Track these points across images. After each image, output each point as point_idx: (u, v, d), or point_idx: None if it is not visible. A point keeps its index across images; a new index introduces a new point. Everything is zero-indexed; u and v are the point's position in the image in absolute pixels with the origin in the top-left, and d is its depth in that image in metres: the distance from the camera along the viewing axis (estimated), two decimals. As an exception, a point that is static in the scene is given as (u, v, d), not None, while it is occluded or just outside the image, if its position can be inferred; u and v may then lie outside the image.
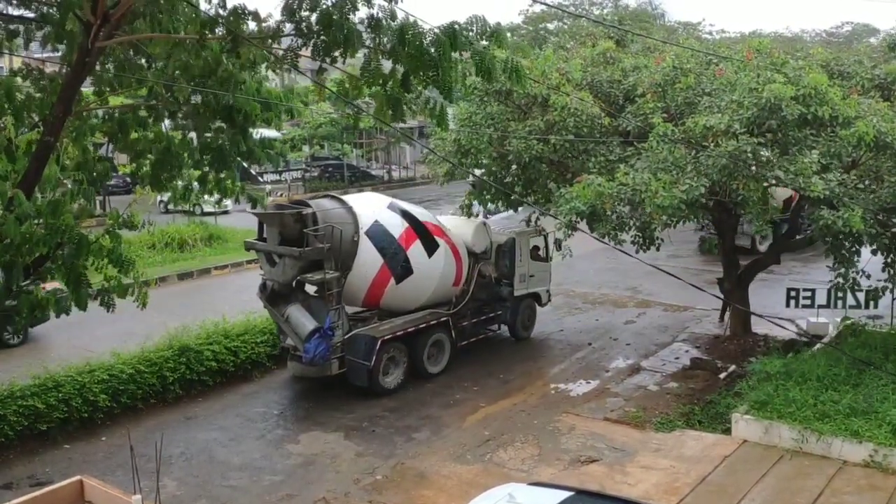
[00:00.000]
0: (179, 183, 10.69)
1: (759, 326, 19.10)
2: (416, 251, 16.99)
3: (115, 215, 9.24)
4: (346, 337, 16.11)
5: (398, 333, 16.59)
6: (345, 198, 17.17)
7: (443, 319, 17.61)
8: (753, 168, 13.78)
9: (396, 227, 16.87)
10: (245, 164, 11.16)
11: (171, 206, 36.40)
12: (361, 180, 50.79)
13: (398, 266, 16.66)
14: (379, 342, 16.01)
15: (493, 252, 19.12)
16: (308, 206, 16.05)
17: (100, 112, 10.53)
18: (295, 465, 13.47)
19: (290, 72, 10.06)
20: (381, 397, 16.15)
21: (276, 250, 16.06)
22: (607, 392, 16.48)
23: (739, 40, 43.76)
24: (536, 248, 20.06)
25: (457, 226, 18.82)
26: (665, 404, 15.65)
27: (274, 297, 16.31)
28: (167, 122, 10.61)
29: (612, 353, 19.02)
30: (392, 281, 16.66)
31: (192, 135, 10.43)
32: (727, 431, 14.08)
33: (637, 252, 15.59)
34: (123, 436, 14.08)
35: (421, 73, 8.17)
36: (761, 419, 13.66)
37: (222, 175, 10.50)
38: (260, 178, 44.00)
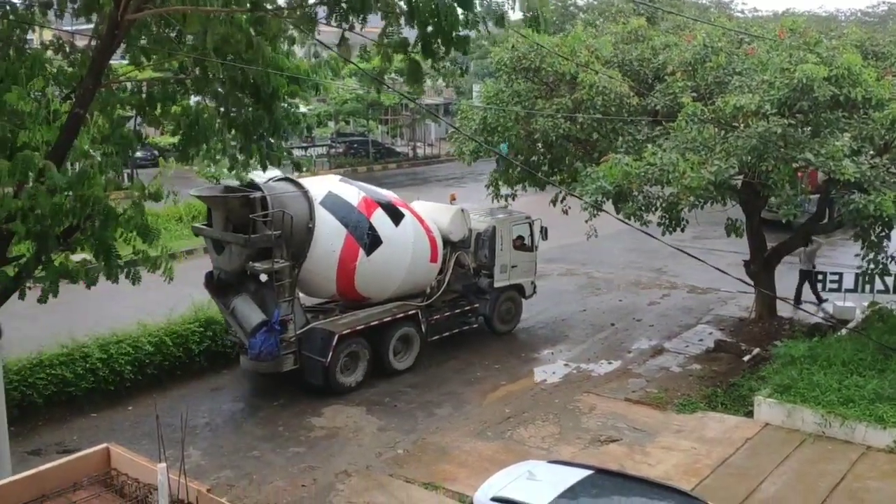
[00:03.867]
0: (214, 155, 10.74)
1: (785, 310, 18.94)
2: (380, 219, 15.77)
3: (139, 186, 9.33)
4: (301, 331, 15.03)
5: (359, 328, 15.44)
6: (303, 181, 15.67)
7: (411, 312, 16.44)
8: (783, 150, 13.61)
9: (352, 196, 15.73)
10: (271, 139, 11.19)
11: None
12: (386, 157, 50.73)
13: (364, 234, 15.41)
14: (336, 337, 14.88)
15: (472, 241, 17.97)
16: (258, 188, 14.61)
17: (128, 85, 10.62)
18: (318, 437, 13.63)
19: (315, 45, 10.06)
20: (403, 373, 16.23)
21: (221, 237, 14.86)
22: (629, 373, 16.46)
23: (772, 19, 43.06)
24: (521, 236, 18.79)
25: (432, 212, 17.60)
26: (687, 386, 15.61)
27: (222, 287, 15.22)
28: (195, 97, 10.68)
29: (635, 334, 18.97)
30: (362, 252, 15.38)
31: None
32: (749, 414, 14.02)
33: (663, 234, 15.47)
34: (149, 405, 14.33)
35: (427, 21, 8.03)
36: (784, 403, 13.59)
37: (262, 146, 10.58)
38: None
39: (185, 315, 16.44)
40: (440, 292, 17.26)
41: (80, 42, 10.84)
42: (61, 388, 14.09)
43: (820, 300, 19.86)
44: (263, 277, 14.97)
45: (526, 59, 16.76)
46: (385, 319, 15.94)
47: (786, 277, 20.26)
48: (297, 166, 11.87)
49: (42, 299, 9.62)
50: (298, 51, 10.98)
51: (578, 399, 15.02)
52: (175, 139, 10.82)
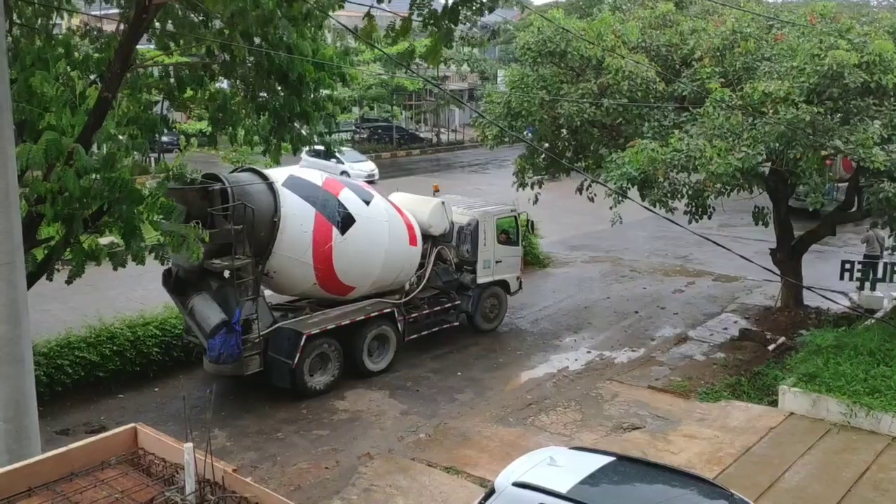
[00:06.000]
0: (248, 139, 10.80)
1: (811, 299, 18.75)
2: (348, 197, 14.96)
3: (164, 167, 9.41)
4: (267, 331, 14.15)
5: (329, 327, 14.59)
6: (268, 172, 14.55)
7: (386, 311, 15.57)
8: (811, 137, 13.43)
9: (315, 177, 15.00)
10: (296, 125, 11.25)
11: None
12: (410, 143, 50.71)
13: (335, 212, 14.53)
14: (304, 337, 14.07)
15: (454, 234, 17.21)
16: (220, 179, 13.67)
17: (155, 70, 10.70)
18: (340, 420, 13.73)
19: (341, 28, 10.08)
20: (425, 359, 16.28)
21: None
22: (652, 361, 16.40)
23: (802, 4, 42.22)
24: (505, 231, 18.04)
25: (411, 204, 16.79)
26: (711, 374, 15.53)
27: (181, 285, 14.25)
28: (224, 81, 10.76)
29: (659, 321, 18.87)
30: (336, 232, 14.47)
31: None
32: (774, 403, 13.93)
33: (689, 222, 15.34)
34: (175, 387, 14.52)
35: None
36: (809, 392, 13.48)
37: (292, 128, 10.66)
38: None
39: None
40: (419, 288, 16.48)
41: (108, 27, 10.93)
42: (89, 370, 14.29)
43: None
44: (226, 274, 14.06)
45: (551, 44, 16.62)
46: (358, 318, 15.07)
47: (812, 266, 20.05)
48: (328, 149, 11.89)
49: (69, 280, 9.76)
50: (328, 36, 11.02)
51: (601, 386, 15.00)
52: (202, 125, 10.93)
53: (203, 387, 14.79)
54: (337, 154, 38.80)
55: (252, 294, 13.85)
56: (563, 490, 8.49)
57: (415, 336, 16.32)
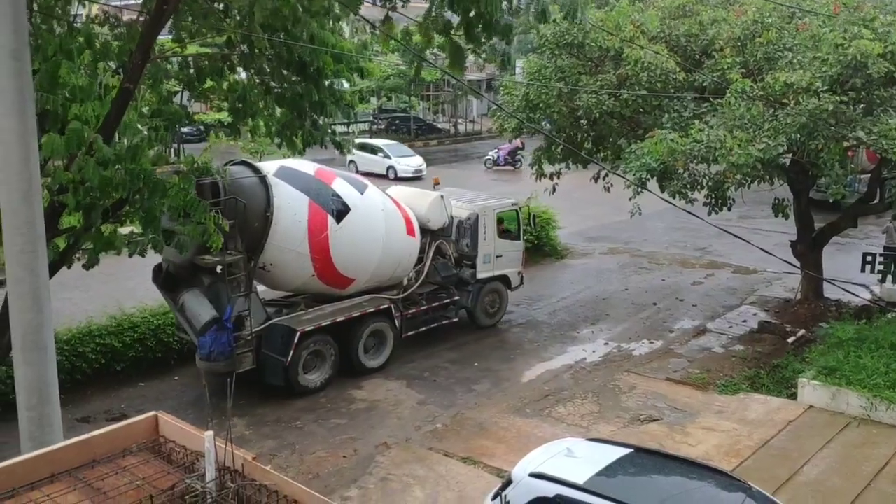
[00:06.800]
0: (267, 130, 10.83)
1: (831, 292, 18.60)
2: (342, 186, 14.65)
3: (189, 161, 9.47)
4: (260, 328, 13.90)
5: (323, 324, 14.32)
6: (261, 165, 14.42)
7: (383, 307, 15.28)
8: (833, 128, 13.30)
9: (307, 167, 14.70)
10: (314, 117, 11.26)
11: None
12: (427, 133, 50.71)
13: (328, 200, 14.20)
14: (297, 334, 13.80)
15: (454, 229, 16.90)
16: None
17: (175, 61, 10.75)
18: (358, 409, 13.80)
19: (358, 20, 10.10)
20: (442, 349, 16.30)
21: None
22: (671, 353, 16.33)
23: (825, -7, 41.61)
24: (506, 224, 17.73)
25: (409, 198, 16.51)
26: (730, 367, 15.45)
27: (171, 281, 13.96)
28: (243, 72, 10.79)
29: (678, 313, 18.79)
30: (331, 220, 14.12)
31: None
32: (793, 396, 13.85)
33: (709, 213, 15.23)
34: (195, 376, 14.62)
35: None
36: (829, 385, 13.39)
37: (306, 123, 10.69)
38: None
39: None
40: (417, 283, 16.17)
41: (128, 17, 10.98)
42: (110, 358, 14.44)
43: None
44: (218, 269, 13.73)
45: (569, 35, 16.53)
46: (354, 315, 14.83)
47: (833, 258, 19.88)
48: (339, 146, 11.88)
49: (87, 266, 9.84)
50: (346, 29, 11.03)
51: (618, 378, 14.97)
52: (221, 115, 11.00)
53: (222, 376, 14.88)
54: (383, 148, 38.66)
55: (244, 290, 13.56)
56: (580, 481, 8.49)
57: (412, 333, 16.04)
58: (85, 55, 8.83)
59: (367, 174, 33.60)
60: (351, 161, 37.98)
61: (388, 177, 36.20)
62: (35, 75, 7.42)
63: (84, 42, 9.13)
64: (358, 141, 40.12)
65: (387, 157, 38.26)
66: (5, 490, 4.24)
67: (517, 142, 34.49)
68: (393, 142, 41.71)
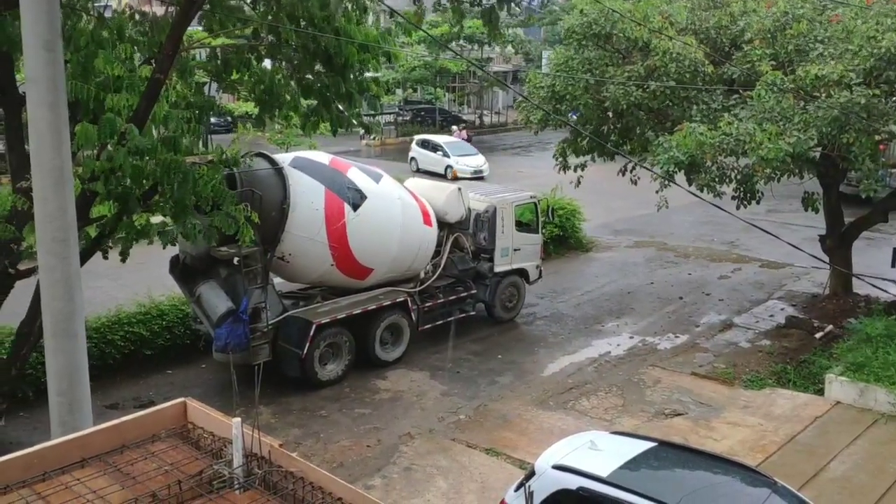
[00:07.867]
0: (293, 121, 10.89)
1: (861, 287, 18.35)
2: (357, 176, 14.65)
3: (219, 152, 9.55)
4: (277, 319, 13.94)
5: (340, 317, 14.30)
6: (277, 157, 14.31)
7: (399, 300, 15.24)
8: (865, 121, 13.11)
9: (321, 157, 14.82)
10: (340, 107, 11.32)
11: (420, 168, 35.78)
12: (453, 125, 50.68)
13: (344, 189, 14.18)
14: (314, 326, 13.81)
15: (471, 222, 16.75)
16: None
17: (203, 52, 10.85)
18: (382, 399, 13.87)
19: (384, 11, 10.12)
20: (466, 341, 16.31)
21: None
22: (696, 347, 16.23)
23: (858, -16, 40.98)
24: (524, 217, 17.62)
25: (426, 190, 16.49)
26: (756, 362, 15.33)
27: (188, 272, 14.01)
28: (268, 63, 10.85)
29: (704, 308, 18.66)
30: (348, 208, 14.08)
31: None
32: (820, 392, 13.71)
33: (738, 207, 15.09)
34: (222, 365, 14.74)
35: None
36: (857, 381, 13.24)
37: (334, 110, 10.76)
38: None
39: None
40: (434, 276, 16.05)
41: (156, 9, 11.09)
42: (139, 345, 14.63)
43: None
44: (235, 261, 13.71)
45: (596, 26, 16.42)
46: (370, 307, 14.76)
47: (863, 253, 19.62)
48: (368, 129, 11.93)
49: (122, 258, 9.98)
50: (370, 19, 11.07)
51: (643, 372, 14.91)
52: (249, 106, 11.10)
53: (250, 364, 15.02)
54: (443, 145, 36.96)
55: (261, 282, 13.59)
56: (604, 474, 8.47)
57: (429, 326, 16.00)
58: (125, 47, 8.92)
59: (427, 173, 33.14)
60: (412, 158, 37.44)
61: (446, 176, 33.88)
62: (66, 66, 7.51)
63: (116, 33, 9.24)
64: (418, 137, 39.02)
65: (446, 155, 36.09)
66: (37, 473, 4.32)
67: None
68: (455, 139, 39.19)
